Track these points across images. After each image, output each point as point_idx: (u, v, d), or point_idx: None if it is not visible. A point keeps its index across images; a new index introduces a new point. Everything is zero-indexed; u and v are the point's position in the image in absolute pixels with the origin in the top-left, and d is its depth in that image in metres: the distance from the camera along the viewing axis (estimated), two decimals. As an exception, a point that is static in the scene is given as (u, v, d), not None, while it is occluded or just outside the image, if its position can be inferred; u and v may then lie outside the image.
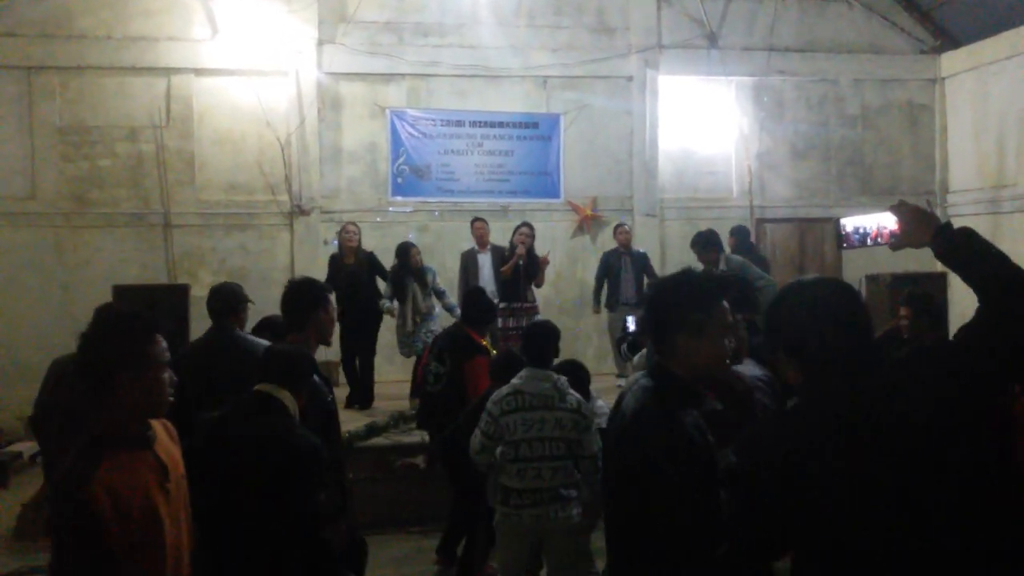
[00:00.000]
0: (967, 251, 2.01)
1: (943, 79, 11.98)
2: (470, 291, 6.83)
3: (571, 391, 4.36)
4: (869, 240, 2.44)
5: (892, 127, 12.08)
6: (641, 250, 10.04)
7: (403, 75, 10.97)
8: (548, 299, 10.24)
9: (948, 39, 11.94)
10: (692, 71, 11.61)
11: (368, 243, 10.52)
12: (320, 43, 10.67)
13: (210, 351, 4.80)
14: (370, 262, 8.74)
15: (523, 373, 4.41)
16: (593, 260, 11.32)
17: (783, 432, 2.08)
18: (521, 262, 8.77)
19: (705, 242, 8.11)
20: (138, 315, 2.51)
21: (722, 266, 7.90)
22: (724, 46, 11.61)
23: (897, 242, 2.20)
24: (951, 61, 11.82)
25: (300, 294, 3.96)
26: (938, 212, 11.84)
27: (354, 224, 8.98)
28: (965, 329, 1.98)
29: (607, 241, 11.32)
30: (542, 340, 4.53)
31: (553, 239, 11.16)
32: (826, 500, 1.92)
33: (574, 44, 11.36)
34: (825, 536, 1.94)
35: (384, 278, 8.70)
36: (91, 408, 2.42)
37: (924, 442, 1.86)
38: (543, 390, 4.28)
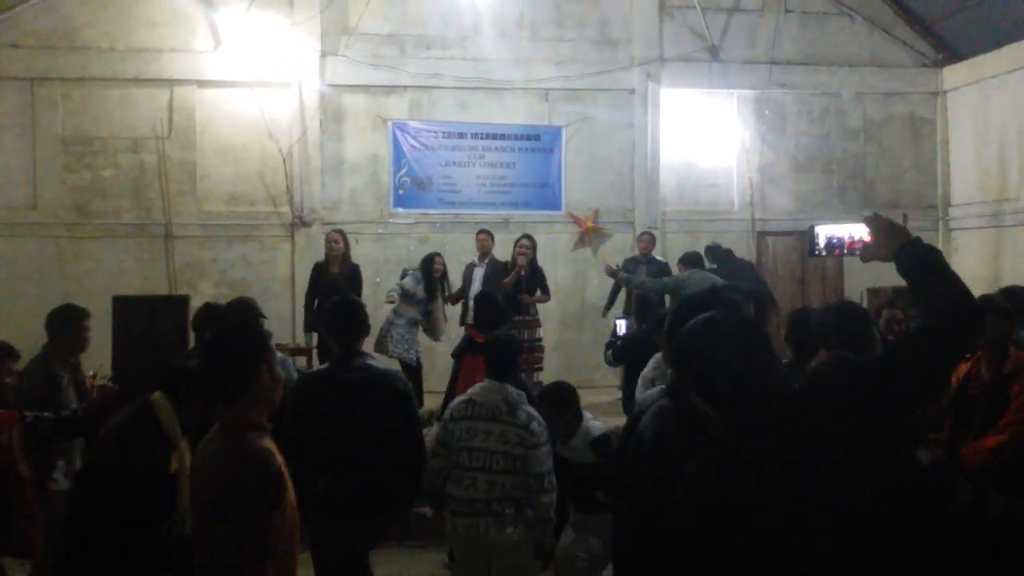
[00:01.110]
0: (925, 268, 2.05)
1: (945, 92, 11.99)
2: (476, 296, 7.06)
3: (525, 407, 4.28)
4: (845, 250, 2.45)
5: (894, 140, 12.08)
6: (661, 259, 9.99)
7: (405, 87, 11.00)
8: (549, 311, 10.22)
9: (950, 53, 11.95)
10: (694, 84, 11.63)
11: (370, 254, 10.59)
12: (323, 55, 10.71)
13: None
14: (353, 274, 8.53)
15: (479, 384, 4.40)
16: (595, 272, 11.34)
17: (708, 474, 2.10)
18: (523, 274, 8.77)
19: (685, 260, 8.53)
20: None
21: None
22: (726, 59, 11.63)
23: (865, 253, 2.23)
24: (953, 75, 11.83)
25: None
26: (939, 225, 11.89)
27: (340, 232, 8.77)
28: (894, 346, 2.06)
29: (608, 253, 11.34)
30: (502, 353, 4.49)
31: (554, 251, 11.16)
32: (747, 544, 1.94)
33: (576, 57, 11.38)
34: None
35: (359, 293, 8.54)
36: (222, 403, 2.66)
37: (835, 473, 1.91)
38: (493, 402, 4.24)
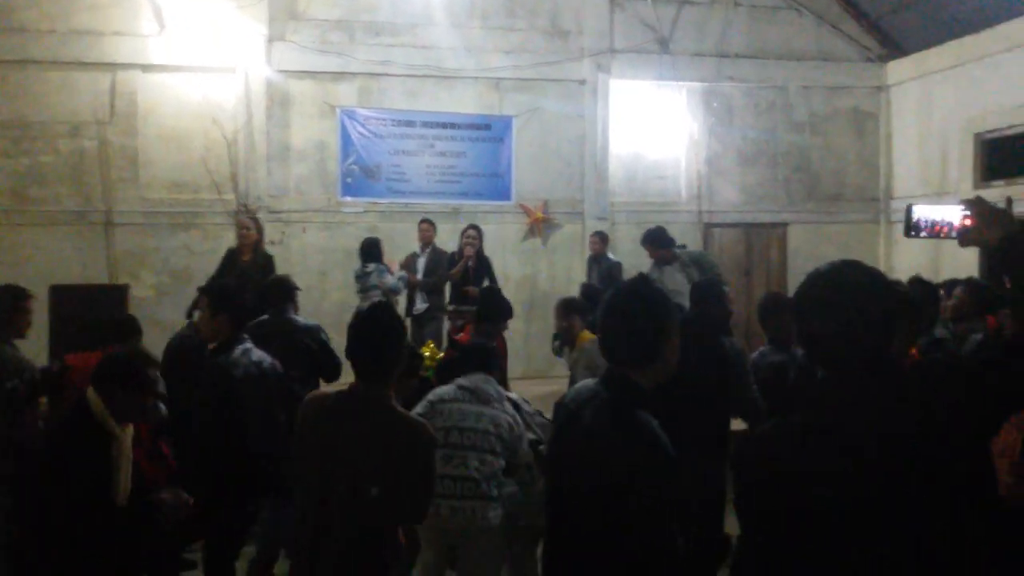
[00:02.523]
0: None
1: (889, 87, 12.18)
2: (483, 290, 7.19)
3: (510, 399, 4.50)
4: (932, 233, 2.31)
5: (839, 134, 12.26)
6: (613, 258, 10.03)
7: (354, 74, 10.88)
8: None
9: (894, 48, 12.14)
10: (644, 76, 11.67)
11: (316, 243, 10.52)
12: (270, 40, 10.54)
13: None
14: (265, 263, 8.29)
15: (467, 375, 4.46)
16: (544, 263, 11.38)
17: (779, 448, 1.99)
18: (470, 264, 8.77)
19: (657, 239, 8.26)
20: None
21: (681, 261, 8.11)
22: (676, 51, 11.70)
23: (965, 237, 2.12)
24: (897, 69, 12.03)
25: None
26: (881, 218, 12.11)
27: (253, 219, 8.62)
28: (1000, 348, 1.97)
29: (558, 244, 11.39)
30: (484, 355, 4.63)
31: (504, 242, 11.16)
32: (816, 526, 1.85)
33: (527, 47, 11.36)
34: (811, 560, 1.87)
35: None
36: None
37: (924, 471, 1.81)
38: (484, 389, 4.36)
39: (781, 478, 1.91)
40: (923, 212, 2.24)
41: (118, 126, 10.25)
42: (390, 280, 8.64)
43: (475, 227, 9.01)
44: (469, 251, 8.76)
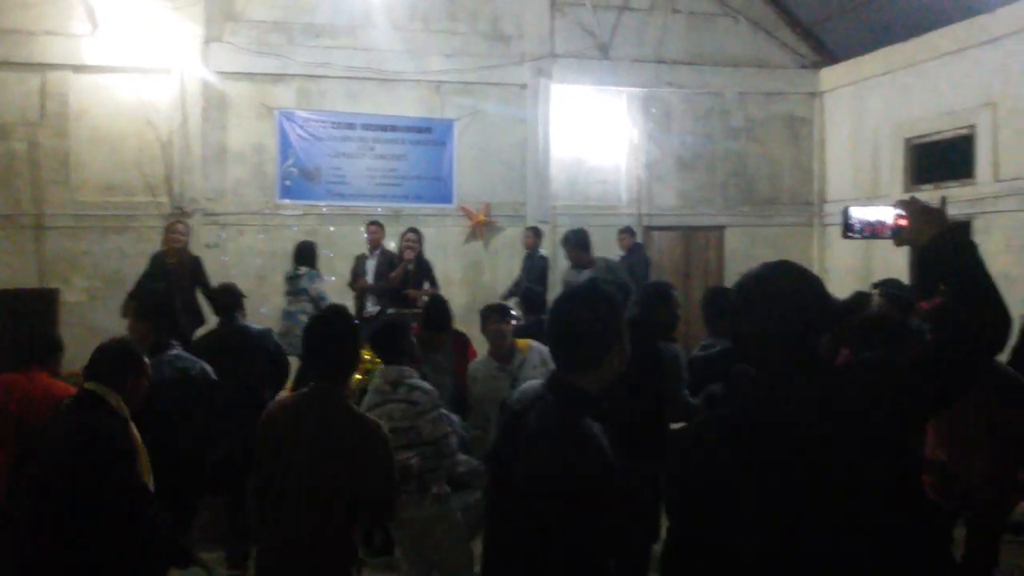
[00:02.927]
0: (959, 257, 1.98)
1: (822, 93, 12.46)
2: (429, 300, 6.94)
3: (408, 381, 4.27)
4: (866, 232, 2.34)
5: (774, 139, 12.50)
6: (544, 253, 10.12)
7: (293, 76, 10.79)
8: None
9: (828, 55, 12.44)
10: (584, 81, 11.77)
11: (254, 246, 10.40)
12: (206, 41, 10.40)
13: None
14: (193, 267, 8.24)
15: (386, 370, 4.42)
16: (486, 265, 11.39)
17: (704, 443, 2.03)
18: (410, 268, 8.73)
19: (576, 242, 8.32)
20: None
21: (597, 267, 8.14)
22: (615, 57, 11.82)
23: (900, 237, 2.15)
24: (830, 76, 12.31)
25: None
26: (815, 221, 12.36)
27: (184, 224, 8.55)
28: (923, 346, 1.99)
29: (500, 247, 11.40)
30: (386, 336, 4.48)
31: (446, 245, 11.15)
32: (739, 519, 1.88)
33: (468, 50, 11.38)
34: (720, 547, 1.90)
35: (205, 287, 8.18)
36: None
37: (844, 467, 1.84)
38: (379, 385, 4.30)
39: (704, 471, 1.94)
40: (859, 214, 2.29)
41: (49, 127, 10.01)
42: (320, 286, 8.55)
43: (414, 230, 8.96)
44: (409, 255, 8.72)
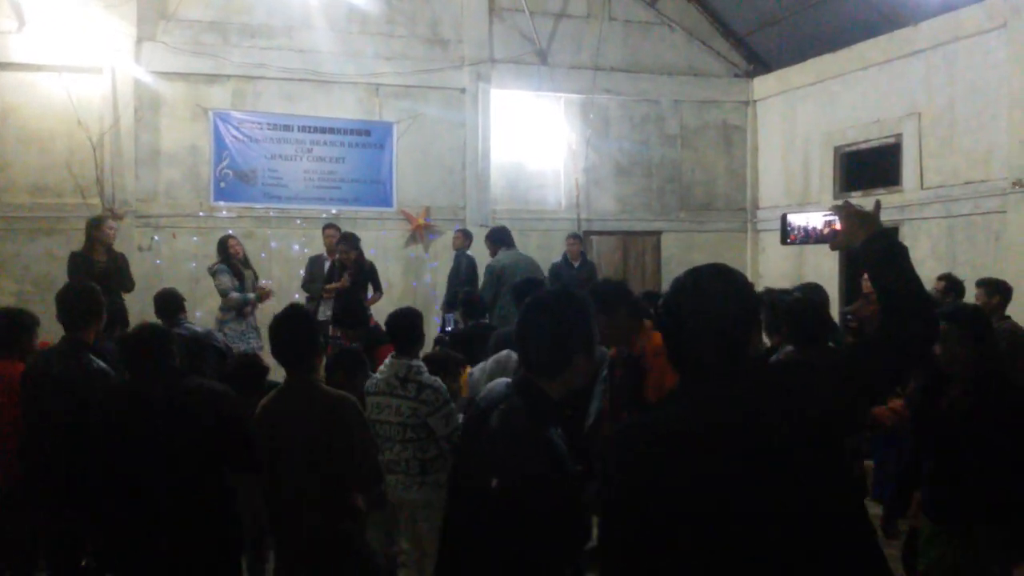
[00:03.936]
0: (888, 262, 2.03)
1: (755, 102, 12.75)
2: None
3: (418, 378, 4.46)
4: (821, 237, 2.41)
5: (708, 146, 12.74)
6: (470, 254, 10.18)
7: (228, 76, 10.62)
8: (380, 309, 10.13)
9: (760, 64, 12.73)
10: (523, 86, 11.85)
11: (188, 249, 10.25)
12: (139, 40, 10.18)
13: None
14: (123, 264, 8.11)
15: (386, 360, 4.63)
16: (425, 269, 11.36)
17: (645, 434, 2.03)
18: (350, 273, 8.66)
19: (497, 238, 8.61)
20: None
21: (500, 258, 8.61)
22: (553, 63, 11.93)
23: (835, 242, 2.22)
24: (762, 85, 12.60)
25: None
26: (748, 227, 12.63)
27: (113, 221, 8.40)
28: (857, 345, 2.05)
29: (440, 251, 11.39)
30: (401, 328, 4.70)
31: (386, 248, 11.11)
32: (678, 509, 1.88)
33: (407, 53, 11.36)
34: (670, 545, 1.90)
35: (128, 284, 8.10)
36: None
37: (781, 459, 1.86)
38: (388, 377, 4.50)
39: (646, 476, 1.94)
40: (796, 220, 2.39)
41: (-27, 127, 9.68)
42: (221, 279, 8.40)
43: (346, 239, 8.80)
44: (347, 261, 8.63)
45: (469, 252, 10.19)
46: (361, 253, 8.85)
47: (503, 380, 2.65)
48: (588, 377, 2.48)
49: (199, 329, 6.05)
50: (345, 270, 8.62)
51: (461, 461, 2.71)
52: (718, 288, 2.03)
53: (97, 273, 7.54)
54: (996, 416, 3.48)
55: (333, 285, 8.61)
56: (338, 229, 9.18)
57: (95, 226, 8.01)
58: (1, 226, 9.78)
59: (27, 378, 4.24)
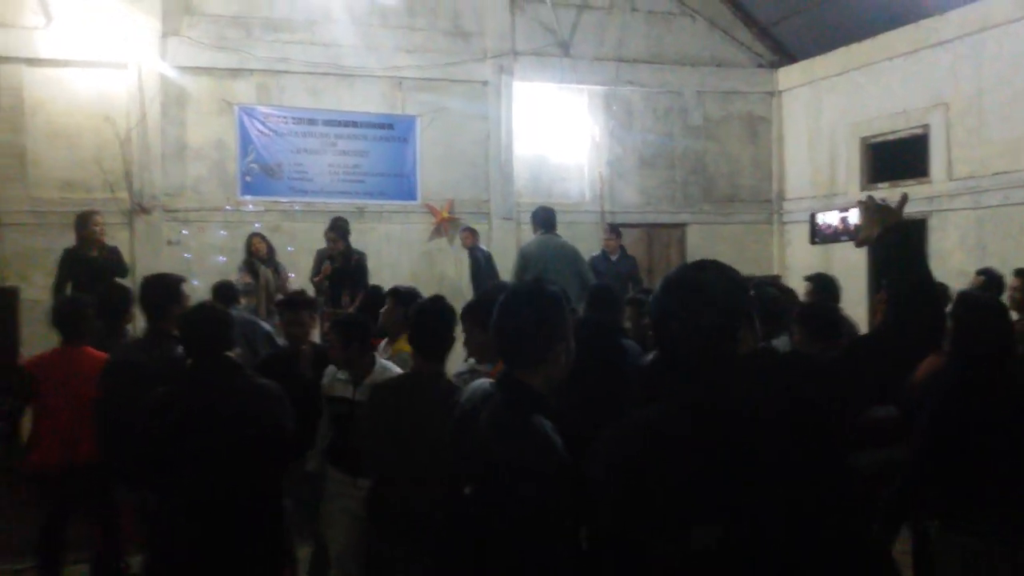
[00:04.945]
0: (899, 252, 2.03)
1: (780, 92, 12.67)
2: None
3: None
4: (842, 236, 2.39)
5: (732, 138, 12.68)
6: (483, 248, 10.22)
7: (252, 71, 10.66)
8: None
9: (785, 54, 12.65)
10: (546, 78, 11.83)
11: (215, 243, 10.30)
12: (164, 35, 10.24)
13: None
14: (117, 257, 8.08)
15: None
16: (450, 262, 11.38)
17: (630, 436, 2.02)
18: (336, 264, 8.72)
19: (541, 220, 8.25)
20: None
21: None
22: (576, 55, 11.89)
23: (858, 238, 2.21)
24: (787, 76, 12.52)
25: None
26: (774, 219, 12.57)
27: (100, 214, 8.29)
28: (861, 338, 2.01)
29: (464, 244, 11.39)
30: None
31: (410, 241, 11.15)
32: (666, 506, 1.86)
33: (429, 46, 11.36)
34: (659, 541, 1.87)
35: (122, 272, 8.00)
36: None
37: (764, 469, 1.83)
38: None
39: (615, 476, 1.93)
40: (825, 219, 2.35)
41: (2, 123, 9.73)
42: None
43: (334, 226, 8.84)
44: (327, 265, 8.69)
45: (481, 246, 10.26)
46: (349, 245, 8.88)
47: (485, 380, 2.62)
48: (568, 370, 2.43)
49: (248, 317, 6.47)
50: (330, 260, 8.70)
51: (452, 464, 2.68)
52: (701, 285, 1.99)
53: (93, 268, 7.53)
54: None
55: (318, 277, 8.73)
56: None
57: (82, 223, 7.91)
58: (32, 221, 9.85)
59: (113, 366, 4.30)
